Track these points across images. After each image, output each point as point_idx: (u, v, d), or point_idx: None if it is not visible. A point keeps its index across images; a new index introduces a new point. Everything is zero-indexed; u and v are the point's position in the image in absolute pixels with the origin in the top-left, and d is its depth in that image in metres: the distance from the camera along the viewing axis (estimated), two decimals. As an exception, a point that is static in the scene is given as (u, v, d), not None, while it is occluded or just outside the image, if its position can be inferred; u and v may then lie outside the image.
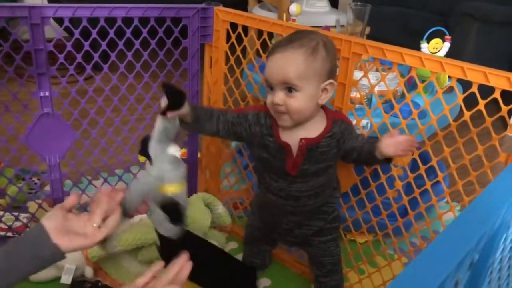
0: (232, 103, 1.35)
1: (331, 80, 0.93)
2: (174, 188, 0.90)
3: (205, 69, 1.38)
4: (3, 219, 1.33)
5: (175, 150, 0.92)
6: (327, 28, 1.63)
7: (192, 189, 1.50)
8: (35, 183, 1.51)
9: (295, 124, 0.96)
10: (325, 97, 0.94)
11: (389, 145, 0.94)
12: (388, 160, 0.98)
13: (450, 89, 1.47)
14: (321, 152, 0.97)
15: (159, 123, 0.92)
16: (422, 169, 1.05)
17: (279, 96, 0.92)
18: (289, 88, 0.91)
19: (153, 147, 0.92)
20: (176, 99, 0.88)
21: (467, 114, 0.94)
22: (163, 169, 0.90)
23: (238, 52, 1.29)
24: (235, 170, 1.50)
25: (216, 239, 1.37)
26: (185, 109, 0.91)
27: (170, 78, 1.32)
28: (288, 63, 0.90)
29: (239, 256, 1.31)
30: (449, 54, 1.22)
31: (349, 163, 1.09)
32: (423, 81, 1.03)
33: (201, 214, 1.34)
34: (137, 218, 1.36)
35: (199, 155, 1.51)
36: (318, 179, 1.01)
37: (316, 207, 1.05)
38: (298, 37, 0.93)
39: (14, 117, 1.21)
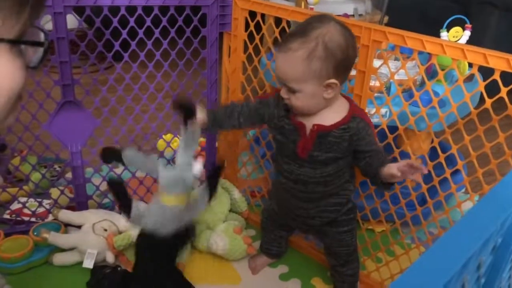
0: (250, 92, 1.36)
1: (332, 80, 0.92)
2: (170, 200, 1.00)
3: (224, 58, 1.39)
4: (27, 204, 1.37)
5: (198, 169, 1.01)
6: (346, 15, 1.62)
7: (210, 177, 1.52)
8: (57, 171, 1.54)
9: (307, 115, 0.98)
10: (332, 92, 0.94)
11: (398, 164, 0.91)
12: (386, 186, 0.98)
13: (470, 78, 1.46)
14: (331, 141, 0.98)
15: (182, 133, 1.02)
16: (442, 157, 1.05)
17: (284, 92, 0.96)
18: (290, 88, 0.94)
19: (180, 155, 1.02)
20: (187, 110, 1.00)
21: (488, 102, 0.94)
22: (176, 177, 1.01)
23: (257, 41, 1.29)
24: (252, 159, 1.51)
25: (236, 220, 1.39)
26: (201, 115, 1.02)
27: (189, 67, 1.33)
28: (286, 67, 0.92)
29: (257, 244, 1.33)
30: (469, 43, 1.20)
31: (357, 167, 1.08)
32: (443, 70, 1.02)
33: (220, 196, 1.36)
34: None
35: (216, 144, 1.52)
36: (326, 168, 1.02)
37: (327, 195, 1.06)
38: (301, 33, 0.91)
39: (37, 105, 1.24)
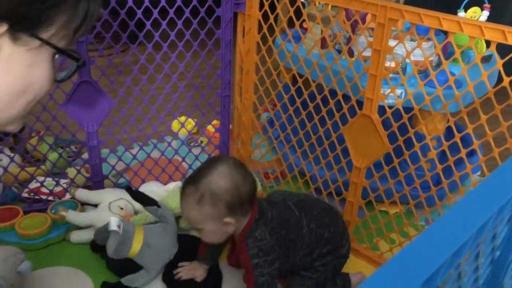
0: (264, 73, 1.35)
1: (227, 219, 0.97)
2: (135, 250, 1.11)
3: (238, 38, 1.39)
4: (44, 183, 1.39)
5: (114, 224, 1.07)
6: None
7: (224, 158, 1.53)
8: (73, 151, 1.56)
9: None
10: (232, 226, 1.00)
11: None
12: None
13: (488, 59, 1.44)
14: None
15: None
16: (458, 137, 1.04)
17: (194, 230, 1.05)
18: (194, 227, 1.02)
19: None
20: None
21: (506, 80, 0.92)
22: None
23: (271, 21, 1.28)
24: (266, 141, 1.52)
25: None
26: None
27: (203, 47, 1.34)
28: (185, 211, 1.01)
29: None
30: (488, 22, 1.18)
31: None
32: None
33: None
34: (171, 185, 1.40)
35: (230, 126, 1.53)
36: None
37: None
38: (194, 179, 0.98)
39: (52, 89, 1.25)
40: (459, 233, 0.34)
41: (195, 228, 1.02)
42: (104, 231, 1.10)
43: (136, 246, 1.09)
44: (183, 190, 1.00)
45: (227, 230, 1.00)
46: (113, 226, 1.05)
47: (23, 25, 0.51)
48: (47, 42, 0.53)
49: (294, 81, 1.30)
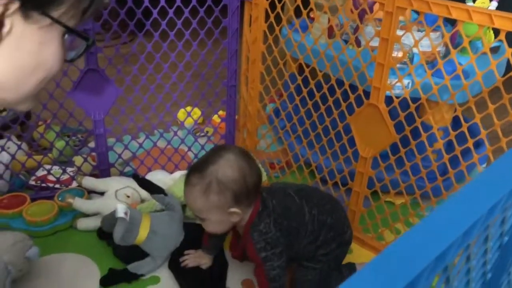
0: (270, 62, 1.35)
1: (233, 209, 0.96)
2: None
3: (245, 27, 1.39)
4: (51, 171, 1.40)
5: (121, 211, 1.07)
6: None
7: (230, 148, 1.53)
8: (80, 140, 1.57)
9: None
10: (237, 216, 0.98)
11: None
12: None
13: (495, 50, 1.43)
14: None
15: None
16: (465, 127, 1.04)
17: (197, 219, 1.02)
18: (198, 217, 1.01)
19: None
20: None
21: (515, 69, 0.92)
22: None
23: (278, 9, 1.28)
24: (271, 131, 1.52)
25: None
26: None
27: (210, 36, 1.33)
28: (190, 200, 0.99)
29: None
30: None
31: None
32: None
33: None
34: (177, 174, 1.40)
35: (236, 116, 1.53)
36: None
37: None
38: (199, 168, 0.97)
39: (61, 72, 1.25)
40: (471, 212, 0.34)
41: (199, 218, 1.01)
42: (111, 218, 1.11)
43: (143, 233, 1.10)
44: (188, 179, 0.98)
45: (231, 220, 0.99)
46: (120, 213, 1.06)
47: (34, 3, 0.52)
48: (57, 21, 0.54)
49: (301, 70, 1.30)
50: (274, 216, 1.01)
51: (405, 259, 0.29)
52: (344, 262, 1.15)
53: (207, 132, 1.74)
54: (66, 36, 0.57)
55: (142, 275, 1.14)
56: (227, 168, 0.95)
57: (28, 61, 0.55)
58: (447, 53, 1.37)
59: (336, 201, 1.15)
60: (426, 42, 1.23)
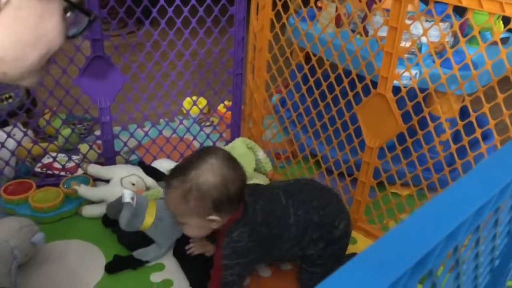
0: (277, 51, 1.34)
1: (212, 217, 0.94)
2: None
3: (251, 15, 1.38)
4: (57, 159, 1.40)
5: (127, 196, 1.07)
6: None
7: (235, 137, 1.53)
8: (85, 129, 1.57)
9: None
10: (217, 224, 0.96)
11: None
12: None
13: (504, 41, 1.41)
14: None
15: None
16: (473, 117, 1.03)
17: (178, 223, 1.00)
18: (178, 221, 0.99)
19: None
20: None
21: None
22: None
23: (286, -3, 1.27)
24: (277, 122, 1.51)
25: (262, 180, 1.40)
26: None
27: (216, 24, 1.33)
28: (170, 202, 0.96)
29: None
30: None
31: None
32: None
33: (245, 156, 1.37)
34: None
35: (242, 107, 1.52)
36: None
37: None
38: (181, 171, 0.94)
39: (67, 59, 1.25)
40: (484, 191, 0.33)
41: (178, 222, 0.99)
42: (116, 205, 1.11)
43: (148, 219, 1.10)
44: (169, 181, 0.95)
45: (210, 226, 0.97)
46: (127, 198, 1.06)
47: None
48: None
49: (308, 60, 1.29)
50: (251, 226, 0.97)
51: (418, 234, 0.28)
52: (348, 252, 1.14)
53: (213, 121, 1.74)
54: (69, 13, 0.57)
55: (147, 261, 1.14)
56: (209, 174, 0.92)
57: (27, 34, 0.54)
58: (455, 44, 1.35)
59: (330, 191, 1.09)
60: (434, 33, 1.21)
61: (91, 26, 0.62)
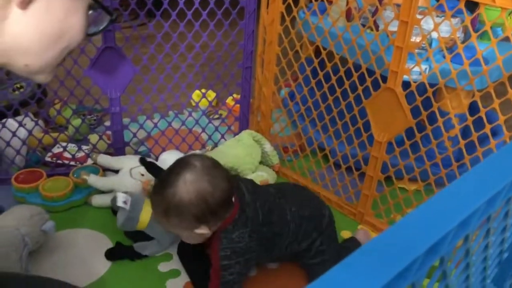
0: (287, 44, 1.34)
1: (199, 230, 0.93)
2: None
3: (262, 8, 1.38)
4: (67, 148, 1.42)
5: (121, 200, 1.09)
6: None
7: (243, 130, 1.53)
8: (95, 119, 1.58)
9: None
10: (209, 232, 0.95)
11: None
12: None
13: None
14: None
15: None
16: (483, 112, 1.03)
17: None
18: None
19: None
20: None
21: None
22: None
23: (297, -10, 1.27)
24: (285, 115, 1.51)
25: (267, 172, 1.40)
26: None
27: (227, 17, 1.33)
28: (156, 218, 0.99)
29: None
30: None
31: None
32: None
33: (251, 148, 1.37)
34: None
35: (251, 100, 1.53)
36: None
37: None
38: (161, 188, 0.93)
39: (78, 49, 1.26)
40: (495, 181, 0.34)
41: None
42: (115, 203, 1.12)
43: (144, 219, 1.11)
44: (151, 198, 0.97)
45: (202, 235, 0.96)
46: (120, 202, 1.08)
47: None
48: None
49: (317, 53, 1.29)
50: (251, 226, 0.97)
51: (431, 221, 0.29)
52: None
53: (221, 114, 1.75)
54: (91, 11, 0.58)
55: (145, 256, 1.14)
56: (183, 192, 0.90)
57: (54, 27, 0.55)
58: (466, 39, 1.35)
59: (304, 187, 1.17)
60: (445, 28, 1.21)
61: (111, 24, 0.63)
